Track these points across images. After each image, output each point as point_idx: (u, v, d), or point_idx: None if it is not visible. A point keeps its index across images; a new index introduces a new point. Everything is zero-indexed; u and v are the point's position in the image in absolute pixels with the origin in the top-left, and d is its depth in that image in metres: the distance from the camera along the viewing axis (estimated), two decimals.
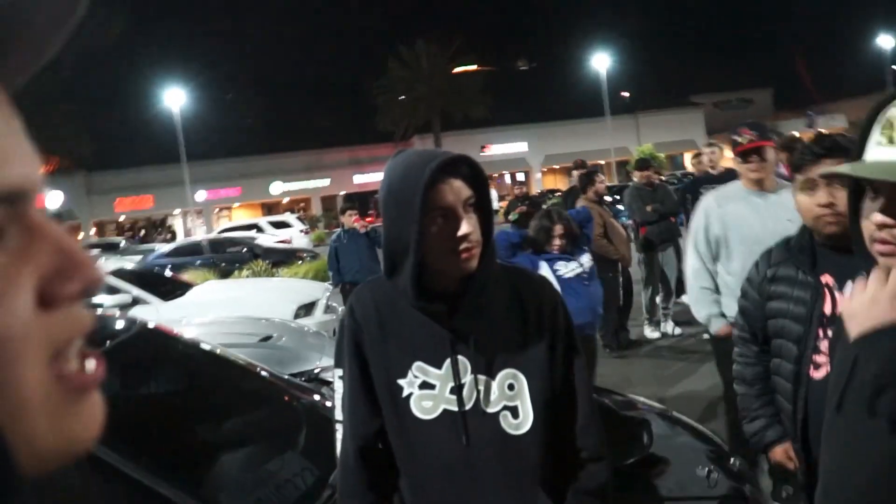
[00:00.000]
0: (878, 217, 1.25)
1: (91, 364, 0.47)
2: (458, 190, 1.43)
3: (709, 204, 3.48)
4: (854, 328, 1.26)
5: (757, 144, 3.21)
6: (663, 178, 9.87)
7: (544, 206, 5.09)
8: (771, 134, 3.54)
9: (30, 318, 0.42)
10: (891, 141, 1.22)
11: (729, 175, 6.86)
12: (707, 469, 2.34)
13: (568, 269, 4.20)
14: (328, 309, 7.80)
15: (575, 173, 7.60)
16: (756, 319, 2.25)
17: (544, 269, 4.13)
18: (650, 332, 7.57)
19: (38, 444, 0.43)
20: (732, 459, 2.49)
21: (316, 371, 4.36)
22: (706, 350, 6.87)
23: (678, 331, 7.58)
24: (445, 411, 1.47)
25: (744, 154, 3.25)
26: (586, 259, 4.37)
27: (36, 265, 0.43)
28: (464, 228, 1.42)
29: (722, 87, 60.67)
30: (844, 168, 1.33)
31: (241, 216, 43.22)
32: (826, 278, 2.02)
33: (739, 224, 3.25)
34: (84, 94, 44.71)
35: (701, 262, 3.42)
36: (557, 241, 4.20)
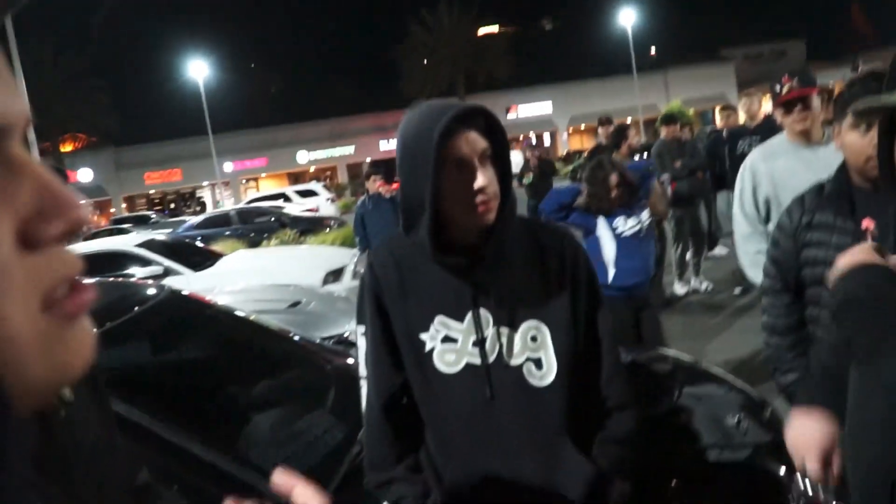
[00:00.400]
0: None
1: (78, 290, 0.46)
2: (473, 142, 1.40)
3: (754, 162, 3.17)
4: (829, 283, 1.31)
5: (800, 93, 2.96)
6: (694, 133, 9.57)
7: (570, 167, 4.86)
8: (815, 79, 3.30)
9: (9, 256, 0.41)
10: None
11: (767, 125, 6.65)
12: (738, 417, 2.31)
13: (627, 225, 3.83)
14: (356, 275, 7.85)
15: (601, 130, 7.44)
16: (789, 268, 2.19)
17: (602, 228, 3.82)
18: (680, 288, 7.52)
19: (29, 377, 0.43)
20: (764, 409, 2.47)
21: (346, 335, 4.41)
22: (736, 305, 6.82)
23: (709, 286, 7.51)
24: (468, 364, 1.47)
25: (787, 105, 3.00)
26: (645, 214, 3.96)
27: (15, 204, 0.42)
28: (480, 181, 1.39)
29: (753, 39, 59.12)
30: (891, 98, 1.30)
31: (268, 186, 43.52)
32: (866, 223, 1.96)
33: (790, 180, 2.92)
34: (110, 69, 45.07)
35: (751, 227, 3.15)
36: (615, 192, 3.79)
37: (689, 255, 7.60)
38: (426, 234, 1.42)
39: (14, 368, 0.42)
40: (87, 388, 0.85)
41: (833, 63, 49.72)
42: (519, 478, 1.44)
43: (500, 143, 1.45)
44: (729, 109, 8.41)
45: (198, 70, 37.81)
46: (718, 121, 8.19)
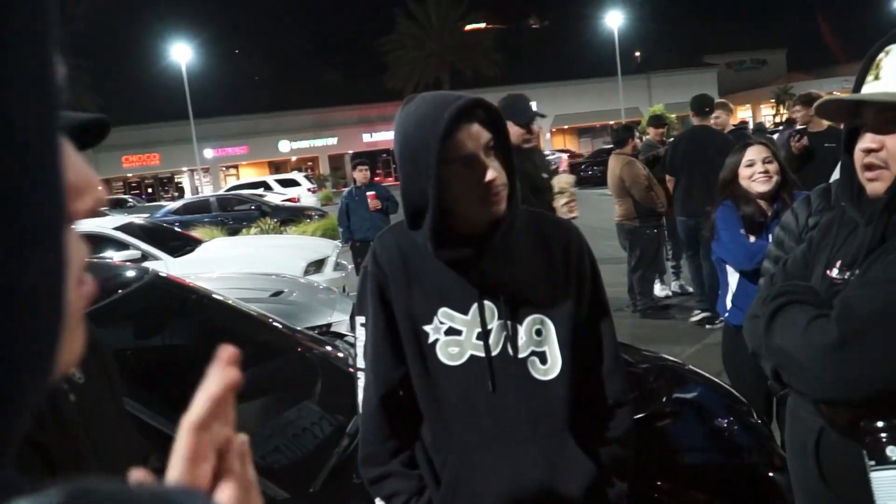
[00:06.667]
0: (865, 142, 1.41)
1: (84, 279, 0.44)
2: (476, 135, 1.38)
3: None
4: None
5: None
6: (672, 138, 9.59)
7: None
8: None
9: None
10: (876, 77, 1.43)
11: (738, 133, 6.74)
12: (726, 420, 2.32)
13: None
14: (338, 266, 7.79)
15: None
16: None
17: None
18: (660, 291, 7.55)
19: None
20: (751, 411, 2.47)
21: (328, 326, 4.37)
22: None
23: (689, 289, 7.57)
24: (472, 357, 1.45)
25: None
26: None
27: None
28: (489, 174, 1.37)
29: (735, 47, 59.72)
30: (840, 97, 1.42)
31: (249, 174, 43.11)
32: None
33: None
34: (91, 48, 44.38)
35: None
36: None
37: (668, 258, 7.66)
38: (429, 234, 1.39)
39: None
40: (100, 371, 0.81)
41: (812, 74, 50.37)
42: (519, 472, 1.42)
43: (501, 133, 1.43)
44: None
45: (181, 54, 37.37)
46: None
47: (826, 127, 5.93)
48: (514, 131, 3.48)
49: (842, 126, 1.59)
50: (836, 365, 1.31)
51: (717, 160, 5.98)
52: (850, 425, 1.40)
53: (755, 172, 2.94)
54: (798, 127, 6.55)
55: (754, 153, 2.99)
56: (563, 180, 3.43)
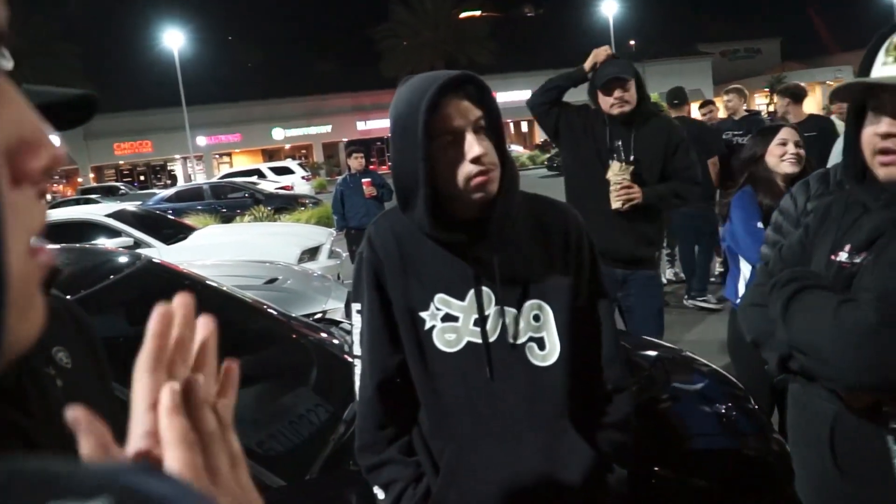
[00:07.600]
0: (884, 126, 1.38)
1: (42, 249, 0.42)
2: (465, 111, 1.35)
3: None
4: None
5: None
6: None
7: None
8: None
9: (3, 183, 0.37)
10: (895, 60, 1.38)
11: (752, 120, 6.74)
12: (724, 407, 2.30)
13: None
14: (332, 254, 7.76)
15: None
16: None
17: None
18: None
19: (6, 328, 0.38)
20: (748, 397, 2.46)
21: (323, 313, 4.34)
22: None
23: (682, 276, 7.58)
24: (469, 343, 1.42)
25: None
26: None
27: (2, 129, 0.37)
28: (475, 150, 1.34)
29: (730, 36, 59.70)
30: (865, 78, 1.39)
31: (242, 162, 42.90)
32: None
33: None
34: (83, 34, 44.00)
35: None
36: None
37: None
38: (424, 210, 1.36)
39: None
40: (88, 356, 0.78)
41: (806, 63, 50.41)
42: (518, 460, 1.40)
43: (492, 112, 1.40)
44: (710, 105, 8.41)
45: (173, 40, 37.08)
46: (699, 116, 8.11)
47: (806, 116, 5.96)
48: (603, 100, 3.35)
49: (833, 113, 1.59)
50: (875, 349, 1.27)
51: (693, 147, 6.18)
52: (870, 410, 1.37)
53: (787, 152, 2.91)
54: (777, 117, 6.60)
55: (788, 133, 2.96)
56: (612, 169, 3.28)
